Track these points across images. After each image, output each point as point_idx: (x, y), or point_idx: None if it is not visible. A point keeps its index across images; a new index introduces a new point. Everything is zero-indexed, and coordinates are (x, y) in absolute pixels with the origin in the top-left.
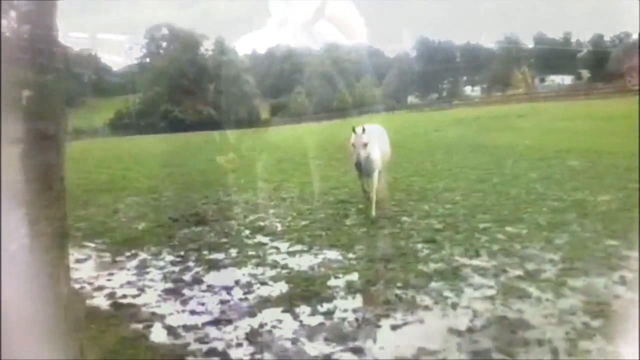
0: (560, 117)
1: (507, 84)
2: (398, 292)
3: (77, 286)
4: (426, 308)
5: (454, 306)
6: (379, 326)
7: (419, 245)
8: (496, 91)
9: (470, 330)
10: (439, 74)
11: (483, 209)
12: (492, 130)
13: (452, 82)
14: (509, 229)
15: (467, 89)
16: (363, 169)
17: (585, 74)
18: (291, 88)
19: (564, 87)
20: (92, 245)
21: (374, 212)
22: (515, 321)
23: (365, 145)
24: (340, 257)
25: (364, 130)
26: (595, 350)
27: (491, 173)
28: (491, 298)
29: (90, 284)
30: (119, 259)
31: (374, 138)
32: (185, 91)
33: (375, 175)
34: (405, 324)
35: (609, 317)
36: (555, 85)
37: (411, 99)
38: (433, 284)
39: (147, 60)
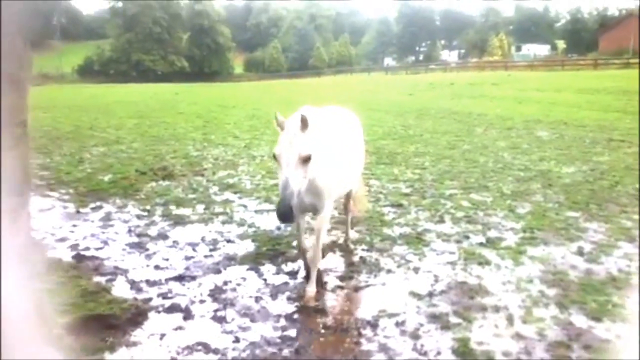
0: (533, 87)
1: (483, 51)
2: (362, 254)
3: (39, 236)
4: (389, 271)
5: (416, 270)
6: (342, 287)
7: (386, 209)
8: (473, 57)
9: (430, 294)
10: (417, 36)
11: (451, 176)
12: (466, 97)
13: (429, 46)
14: (474, 196)
15: (445, 54)
16: (295, 209)
17: (561, 44)
18: (267, 43)
19: (539, 58)
20: (56, 195)
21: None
22: (474, 287)
23: (303, 159)
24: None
25: (304, 122)
26: (549, 319)
27: (461, 140)
28: (452, 264)
29: (52, 234)
30: (83, 210)
31: (332, 137)
32: (158, 40)
33: (327, 210)
34: (368, 286)
35: (565, 287)
36: (531, 55)
37: (388, 61)
38: (397, 248)
39: (120, 4)
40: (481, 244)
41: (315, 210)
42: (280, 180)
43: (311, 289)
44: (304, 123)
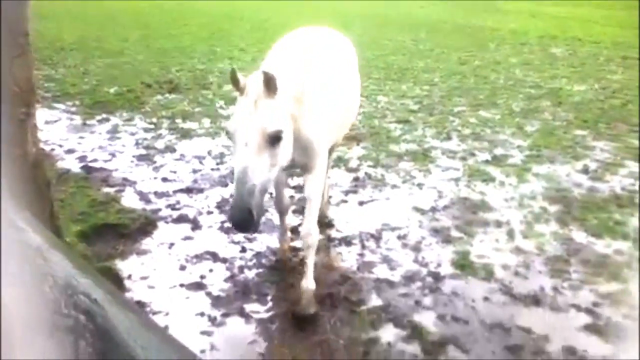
0: (549, 2)
1: None
2: (368, 170)
3: (47, 148)
4: (394, 187)
5: (420, 186)
6: (346, 202)
7: (393, 126)
8: None
9: (433, 209)
10: None
11: (460, 92)
12: (480, 10)
13: None
14: (482, 113)
15: None
16: (257, 211)
17: None
18: None
19: None
20: (62, 107)
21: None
22: (477, 203)
23: (271, 138)
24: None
25: (270, 83)
26: (549, 234)
27: (473, 56)
28: (456, 180)
29: (60, 146)
30: (89, 122)
31: (323, 73)
32: None
33: (319, 169)
34: (372, 200)
35: (567, 204)
36: None
37: None
38: (403, 164)
39: None
40: (487, 162)
41: (305, 169)
42: (235, 169)
43: (309, 285)
44: (270, 84)
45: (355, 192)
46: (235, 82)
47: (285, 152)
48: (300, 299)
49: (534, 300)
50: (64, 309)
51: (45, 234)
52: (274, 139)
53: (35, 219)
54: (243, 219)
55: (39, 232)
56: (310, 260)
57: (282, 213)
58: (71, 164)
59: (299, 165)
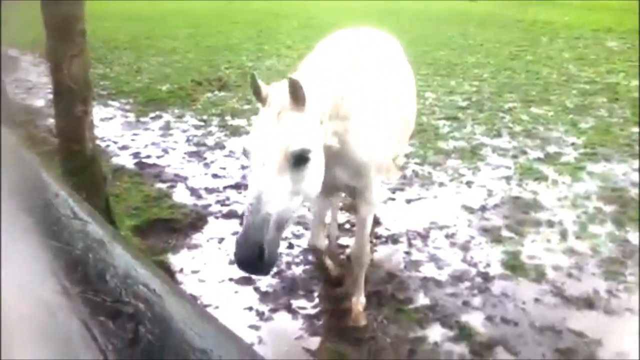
0: None
1: None
2: (415, 167)
3: (102, 144)
4: (442, 185)
5: (469, 184)
6: (393, 199)
7: (441, 122)
8: None
9: (482, 208)
10: None
11: (511, 88)
12: (532, 3)
13: None
14: (534, 110)
15: None
16: (272, 249)
17: None
18: None
19: None
20: (117, 104)
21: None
22: (528, 202)
23: (295, 159)
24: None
25: (298, 93)
26: (604, 235)
27: (524, 50)
28: (507, 178)
29: (115, 142)
30: (143, 119)
31: (372, 82)
32: None
33: (374, 190)
34: (420, 198)
35: (624, 204)
36: None
37: None
38: (451, 162)
39: None
40: (539, 159)
41: (353, 193)
42: (247, 194)
43: (360, 301)
44: (297, 93)
45: (402, 189)
46: (256, 90)
47: (313, 178)
48: (351, 313)
49: (587, 303)
50: (124, 297)
51: (106, 227)
52: (299, 160)
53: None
54: (251, 257)
55: (100, 224)
56: (361, 278)
57: (315, 251)
58: (125, 160)
59: (347, 190)
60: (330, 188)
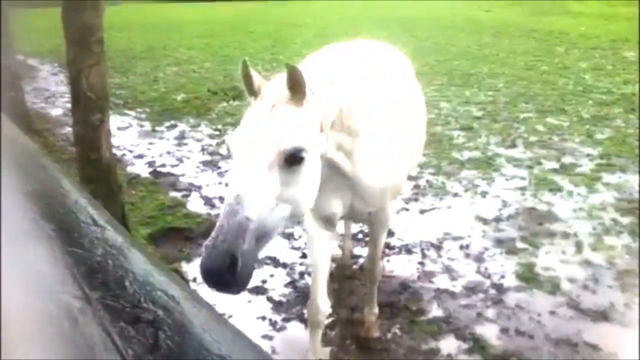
0: (623, 1)
1: None
2: (429, 177)
3: (118, 153)
4: (456, 195)
5: (484, 195)
6: (407, 210)
7: (455, 133)
8: None
9: (497, 219)
10: None
11: (526, 98)
12: (548, 13)
13: None
14: (550, 120)
15: None
16: (249, 263)
17: None
18: None
19: None
20: (133, 113)
21: None
22: (543, 213)
23: (286, 158)
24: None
25: (297, 84)
26: (621, 247)
27: (540, 60)
28: (522, 189)
29: (131, 151)
30: (158, 128)
31: (381, 100)
32: None
33: (388, 211)
34: (433, 209)
35: None
36: None
37: None
38: (465, 172)
39: None
40: (554, 170)
41: (363, 217)
42: (227, 195)
43: (373, 312)
44: (297, 84)
45: (416, 200)
46: (247, 79)
47: (306, 185)
48: (364, 323)
49: (603, 315)
50: (143, 303)
51: (125, 233)
52: (291, 160)
53: (114, 219)
54: (219, 266)
55: (119, 231)
56: (374, 291)
57: (314, 324)
58: (141, 169)
59: (356, 216)
60: (337, 214)
